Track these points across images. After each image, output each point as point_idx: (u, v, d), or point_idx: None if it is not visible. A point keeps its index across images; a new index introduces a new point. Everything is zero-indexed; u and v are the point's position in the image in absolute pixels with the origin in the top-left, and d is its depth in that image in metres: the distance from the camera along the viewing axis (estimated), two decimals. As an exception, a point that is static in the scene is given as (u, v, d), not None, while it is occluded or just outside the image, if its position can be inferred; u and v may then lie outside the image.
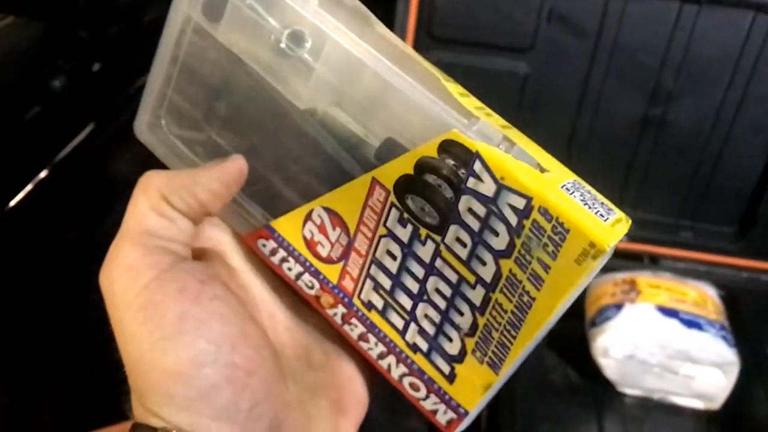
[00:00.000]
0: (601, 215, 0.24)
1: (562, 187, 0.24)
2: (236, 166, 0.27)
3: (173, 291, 0.24)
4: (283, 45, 0.27)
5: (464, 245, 0.26)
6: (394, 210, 0.27)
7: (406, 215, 0.27)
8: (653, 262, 0.84)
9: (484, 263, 0.26)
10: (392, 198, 0.26)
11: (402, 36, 0.73)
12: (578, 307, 0.79)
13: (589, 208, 0.24)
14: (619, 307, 0.74)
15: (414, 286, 0.27)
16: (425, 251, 0.27)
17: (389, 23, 0.73)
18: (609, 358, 0.74)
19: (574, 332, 0.78)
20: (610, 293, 0.76)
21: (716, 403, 0.75)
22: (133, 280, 0.24)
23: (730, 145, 0.79)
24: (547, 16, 0.72)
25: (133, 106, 0.30)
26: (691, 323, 0.72)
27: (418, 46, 0.74)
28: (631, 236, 0.84)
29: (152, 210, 0.26)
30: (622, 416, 0.76)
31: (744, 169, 0.80)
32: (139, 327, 0.24)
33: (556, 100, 0.78)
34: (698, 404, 0.76)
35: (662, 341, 0.71)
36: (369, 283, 0.28)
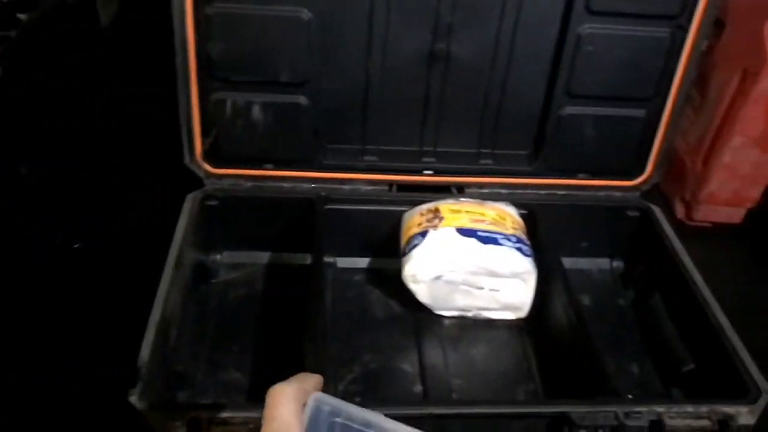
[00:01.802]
0: None
1: None
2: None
3: None
4: None
5: None
6: None
7: None
8: (460, 192, 0.88)
9: None
10: None
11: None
12: (398, 244, 0.82)
13: None
14: (424, 234, 0.78)
15: None
16: None
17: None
18: (418, 283, 0.77)
19: (394, 267, 0.81)
20: (417, 223, 0.80)
21: (523, 312, 0.81)
22: None
23: (512, 72, 0.83)
24: (317, -42, 0.73)
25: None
26: (487, 239, 0.76)
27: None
28: (436, 169, 0.88)
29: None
30: (440, 338, 0.80)
31: (529, 95, 0.85)
32: None
33: (345, 43, 0.79)
34: (509, 316, 0.82)
35: (463, 260, 0.76)
36: None
